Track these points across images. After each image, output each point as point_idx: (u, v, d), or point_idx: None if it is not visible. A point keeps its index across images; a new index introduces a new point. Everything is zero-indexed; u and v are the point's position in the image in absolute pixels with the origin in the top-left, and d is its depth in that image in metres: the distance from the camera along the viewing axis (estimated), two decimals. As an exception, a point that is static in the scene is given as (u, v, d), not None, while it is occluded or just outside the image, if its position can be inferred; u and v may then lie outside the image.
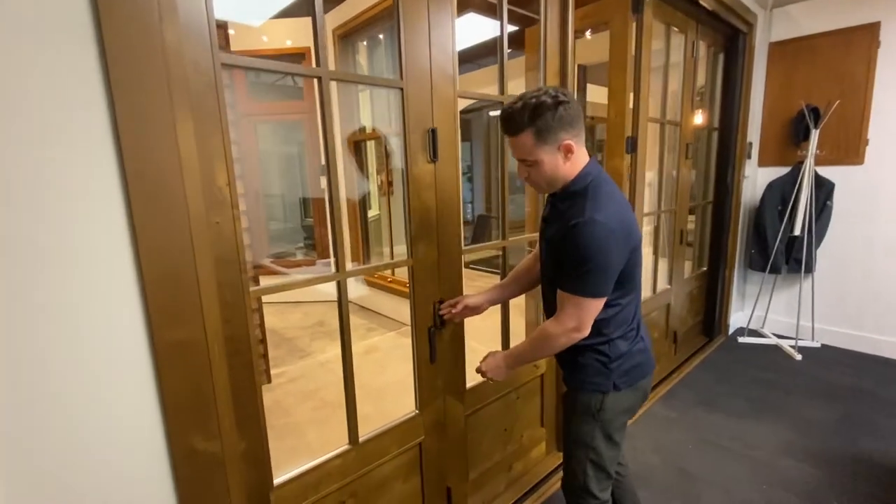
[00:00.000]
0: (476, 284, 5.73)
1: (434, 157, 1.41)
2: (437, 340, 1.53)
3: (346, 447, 1.36)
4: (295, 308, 4.69)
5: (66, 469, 0.77)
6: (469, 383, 1.71)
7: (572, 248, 1.06)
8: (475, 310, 1.53)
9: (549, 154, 1.09)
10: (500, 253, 1.85)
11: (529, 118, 1.06)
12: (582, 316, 1.10)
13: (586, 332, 1.12)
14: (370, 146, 4.59)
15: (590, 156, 1.16)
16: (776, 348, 3.37)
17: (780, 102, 3.33)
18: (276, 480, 1.20)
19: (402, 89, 1.32)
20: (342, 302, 1.30)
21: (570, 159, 1.11)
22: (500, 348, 1.89)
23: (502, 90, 1.65)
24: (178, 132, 0.88)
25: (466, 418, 1.72)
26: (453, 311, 1.50)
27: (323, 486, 1.30)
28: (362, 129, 4.43)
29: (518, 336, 1.67)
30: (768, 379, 2.92)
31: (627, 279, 1.13)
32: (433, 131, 1.39)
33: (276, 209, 5.86)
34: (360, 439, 1.39)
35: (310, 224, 5.22)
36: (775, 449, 2.22)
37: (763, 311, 3.61)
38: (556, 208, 1.18)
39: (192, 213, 0.90)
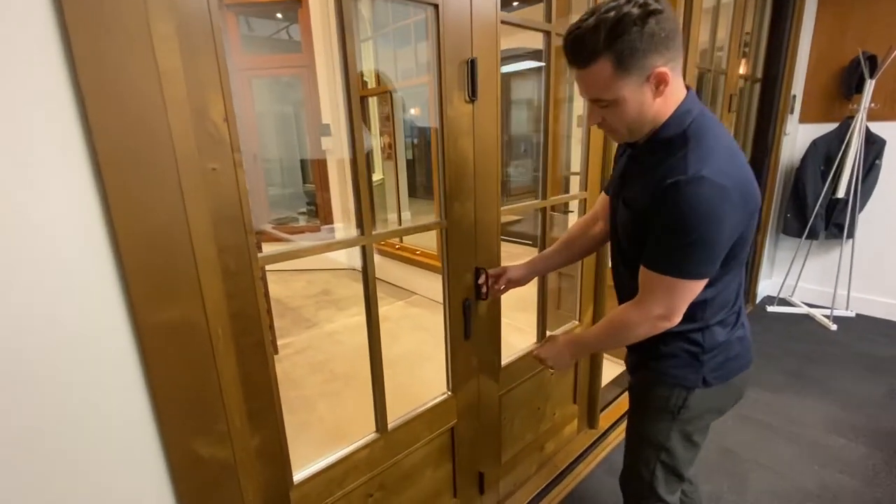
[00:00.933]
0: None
1: (473, 95, 1.16)
2: (472, 315, 1.33)
3: (373, 436, 1.19)
4: (298, 276, 4.50)
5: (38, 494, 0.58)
6: (504, 360, 1.53)
7: (669, 215, 0.80)
8: (518, 283, 1.32)
9: (635, 88, 0.81)
10: (518, 219, 1.62)
11: (607, 39, 0.77)
12: (674, 302, 0.86)
13: (676, 321, 0.89)
14: (373, 104, 4.27)
15: (687, 88, 0.88)
16: (808, 318, 3.21)
17: (830, 50, 3.02)
18: (297, 477, 1.03)
19: (436, 6, 1.06)
20: (368, 271, 1.09)
21: (662, 93, 0.83)
22: (535, 320, 1.71)
23: (549, 15, 1.37)
24: (154, 42, 0.64)
25: (500, 398, 1.55)
26: (495, 286, 1.30)
27: (349, 480, 1.13)
28: (365, 84, 4.11)
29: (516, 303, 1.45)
30: (803, 350, 2.77)
31: (736, 253, 0.88)
32: (472, 62, 1.14)
33: (274, 174, 5.57)
34: (390, 426, 1.21)
35: (311, 189, 4.96)
36: (822, 426, 2.07)
37: (794, 280, 3.42)
38: (640, 162, 0.92)
39: (180, 154, 0.68)
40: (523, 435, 1.73)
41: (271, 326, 2.98)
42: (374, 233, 1.06)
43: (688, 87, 0.89)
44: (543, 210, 1.58)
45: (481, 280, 1.30)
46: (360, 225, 1.05)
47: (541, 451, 1.82)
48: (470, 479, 1.52)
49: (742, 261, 0.92)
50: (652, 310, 0.88)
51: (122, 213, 0.60)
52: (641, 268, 0.88)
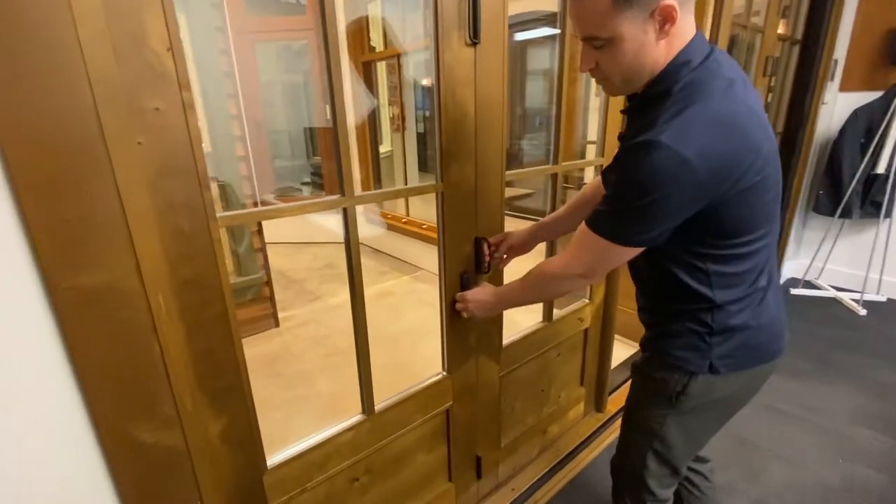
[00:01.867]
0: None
1: (474, 37, 1.01)
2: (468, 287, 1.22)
3: (359, 417, 1.09)
4: (303, 249, 4.43)
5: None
6: (506, 340, 1.42)
7: (616, 174, 0.76)
8: (520, 250, 1.21)
9: (635, 24, 0.68)
10: (530, 192, 1.48)
11: None
12: (596, 263, 0.83)
13: (596, 281, 0.84)
14: (381, 70, 4.07)
15: (697, 28, 0.74)
16: (835, 302, 3.03)
17: (878, 11, 2.73)
18: (271, 461, 0.94)
19: (432, -73, 0.90)
20: (350, 238, 0.98)
21: (666, 34, 0.69)
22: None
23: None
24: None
25: (501, 379, 1.45)
26: (496, 255, 1.18)
27: (331, 464, 1.04)
28: (373, 49, 3.91)
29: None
30: (829, 336, 2.61)
31: (745, 220, 0.75)
32: (474, -4, 0.98)
33: (282, 146, 5.43)
34: (377, 408, 1.12)
35: (318, 162, 4.83)
36: (846, 416, 1.94)
37: (821, 262, 3.22)
38: (635, 121, 0.81)
39: (99, 83, 0.55)
40: (525, 418, 1.63)
41: (272, 299, 2.92)
42: (356, 194, 0.93)
43: (697, 29, 0.74)
44: (555, 177, 1.43)
45: (484, 251, 1.18)
46: (341, 185, 0.92)
47: (543, 434, 1.73)
48: (466, 463, 1.44)
49: (762, 227, 0.78)
50: (573, 265, 0.85)
51: (15, 151, 0.49)
52: (583, 222, 0.82)
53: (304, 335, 2.88)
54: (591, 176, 1.70)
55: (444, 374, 1.27)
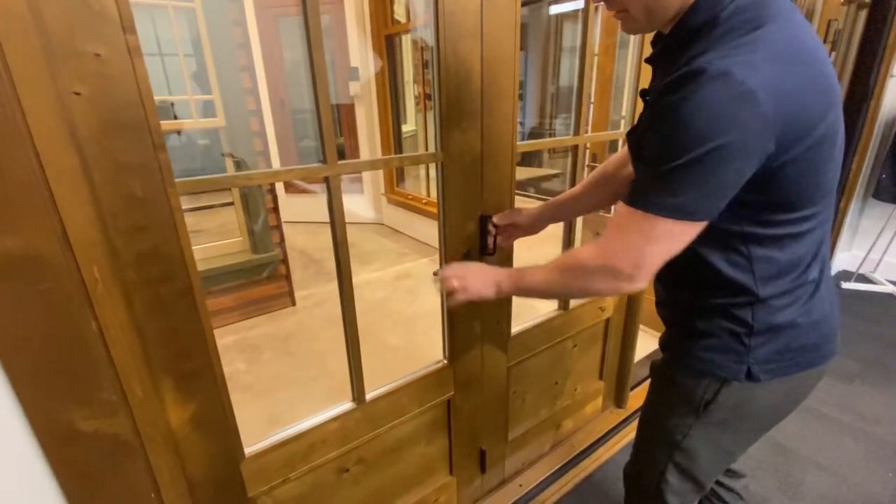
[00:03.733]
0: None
1: (481, -18, 0.88)
2: None
3: (348, 406, 1.02)
4: (325, 228, 4.40)
5: None
6: (515, 328, 1.31)
7: (662, 124, 0.56)
8: (526, 230, 1.08)
9: None
10: (557, 173, 1.36)
11: None
12: (646, 253, 0.61)
13: (643, 282, 0.64)
14: (405, 45, 3.93)
15: None
16: (891, 297, 2.75)
17: (968, -35, 2.38)
18: (249, 450, 0.88)
19: None
20: (335, 215, 0.89)
21: None
22: None
23: None
24: None
25: (508, 370, 1.34)
26: (501, 235, 1.07)
27: (316, 454, 0.98)
28: (396, 21, 3.77)
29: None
30: (885, 335, 2.36)
31: (807, 186, 0.60)
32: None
33: (306, 124, 5.39)
34: (368, 396, 1.04)
35: (342, 144, 4.77)
36: (901, 425, 1.74)
37: (878, 253, 2.92)
38: (660, 67, 0.68)
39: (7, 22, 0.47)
40: (536, 411, 1.53)
41: (288, 277, 2.90)
42: (339, 162, 0.84)
43: None
44: (575, 150, 1.29)
45: (489, 230, 1.07)
46: (322, 153, 0.82)
47: (557, 429, 1.63)
48: (469, 456, 1.35)
49: (819, 201, 0.63)
50: (614, 257, 0.64)
51: None
52: (619, 203, 0.65)
53: (320, 315, 2.86)
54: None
55: (445, 362, 1.18)
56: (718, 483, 1.02)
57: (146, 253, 0.64)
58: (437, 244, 3.71)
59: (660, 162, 0.56)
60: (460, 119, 0.97)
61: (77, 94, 0.53)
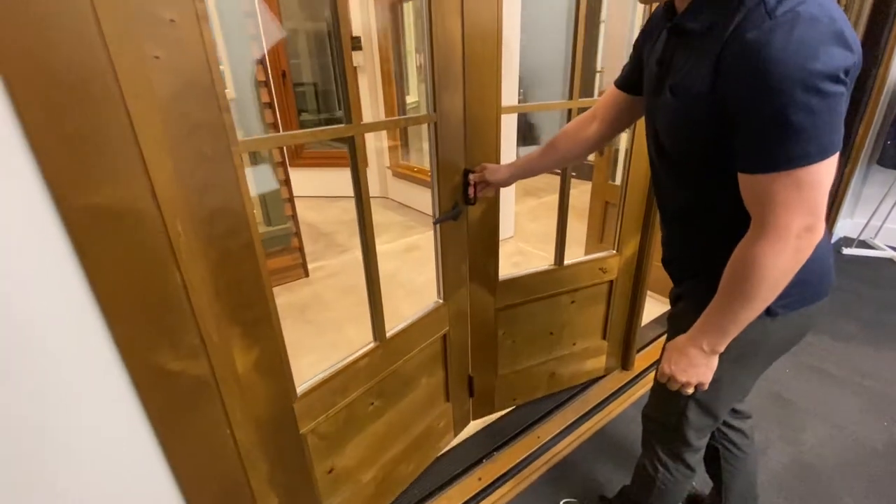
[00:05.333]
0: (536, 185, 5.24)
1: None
2: (462, 220, 1.28)
3: (372, 345, 1.13)
4: (333, 203, 4.43)
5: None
6: (503, 275, 1.43)
7: (761, 81, 0.56)
8: (497, 184, 1.20)
9: None
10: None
11: None
12: (814, 201, 0.60)
13: (823, 227, 0.64)
14: (408, 13, 3.87)
15: None
16: (890, 262, 2.82)
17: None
18: (300, 389, 0.96)
19: None
20: (358, 167, 0.98)
21: None
22: (552, 256, 1.52)
23: None
24: None
25: (498, 312, 1.47)
26: (475, 185, 1.21)
27: (350, 389, 1.09)
28: (400, -13, 3.69)
29: (578, 243, 1.35)
30: (883, 297, 2.44)
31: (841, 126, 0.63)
32: None
33: (308, 98, 5.31)
34: (388, 335, 1.16)
35: (341, 118, 4.72)
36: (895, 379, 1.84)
37: (880, 220, 2.98)
38: (687, 32, 0.68)
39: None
40: (528, 355, 1.64)
41: (301, 249, 2.95)
42: (361, 122, 0.90)
43: None
44: (569, 115, 1.33)
45: (469, 181, 1.21)
46: (347, 115, 0.87)
47: (551, 376, 1.72)
48: (461, 384, 1.51)
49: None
50: (788, 225, 0.61)
51: (14, 65, 0.45)
52: (743, 179, 0.64)
53: (333, 285, 2.92)
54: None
55: (440, 301, 1.31)
56: (727, 424, 1.09)
57: (216, 209, 0.69)
58: None
59: (777, 115, 0.56)
60: (448, 84, 1.08)
61: (157, 57, 0.57)
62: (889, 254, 2.88)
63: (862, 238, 3.03)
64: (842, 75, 0.55)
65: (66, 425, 0.56)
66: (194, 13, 0.61)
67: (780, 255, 0.63)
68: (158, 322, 0.60)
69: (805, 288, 0.76)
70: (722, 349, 0.75)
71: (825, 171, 0.59)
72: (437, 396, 1.45)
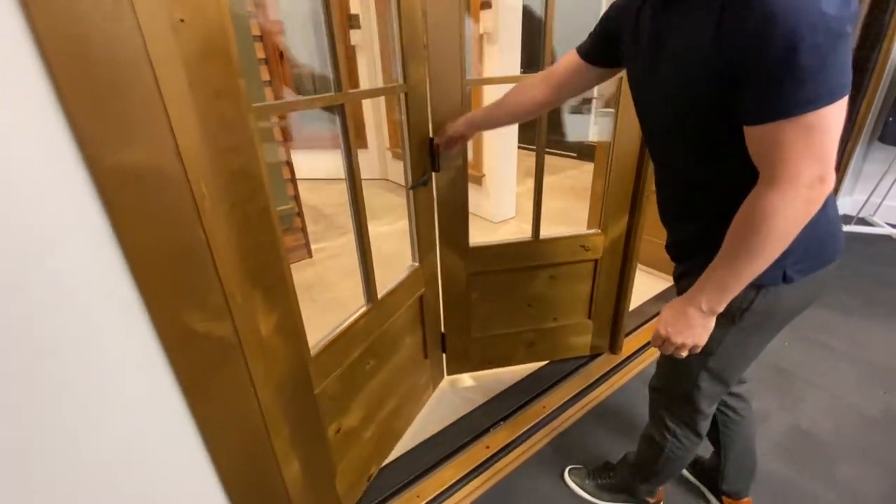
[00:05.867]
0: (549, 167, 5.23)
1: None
2: (431, 186, 1.36)
3: (366, 306, 1.20)
4: (331, 185, 4.42)
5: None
6: (474, 242, 1.51)
7: (766, 24, 0.55)
8: (460, 137, 1.24)
9: None
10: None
11: None
12: (825, 148, 0.59)
13: (833, 179, 0.62)
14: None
15: None
16: (889, 239, 2.85)
17: None
18: (313, 351, 1.00)
19: None
20: (349, 135, 1.01)
21: None
22: (530, 229, 1.54)
23: None
24: None
25: (470, 276, 1.55)
26: (443, 148, 1.26)
27: (352, 349, 1.14)
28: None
29: (555, 216, 1.40)
30: (880, 273, 2.48)
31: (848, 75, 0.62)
32: None
33: (302, 81, 5.23)
34: (379, 296, 1.24)
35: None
36: (892, 351, 1.87)
37: (879, 197, 3.00)
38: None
39: None
40: (506, 323, 1.68)
41: (304, 230, 2.95)
42: (350, 91, 0.95)
43: None
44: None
45: (434, 149, 1.26)
46: (336, 83, 0.89)
47: (529, 346, 1.75)
48: (435, 342, 1.60)
49: None
50: (800, 175, 0.60)
51: (48, 23, 0.45)
52: (750, 132, 0.63)
53: (336, 266, 2.94)
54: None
55: (416, 264, 1.38)
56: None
57: (236, 172, 0.69)
58: None
59: (784, 56, 0.55)
60: (414, 55, 1.13)
61: (182, 20, 0.57)
62: (888, 231, 2.90)
63: (861, 215, 3.05)
64: (845, 22, 0.55)
65: (93, 382, 0.58)
66: (215, -25, 0.61)
67: (790, 206, 0.62)
68: (185, 283, 0.61)
69: (822, 249, 0.77)
70: (720, 309, 0.74)
71: (834, 115, 0.58)
72: (418, 354, 1.53)
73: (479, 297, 1.60)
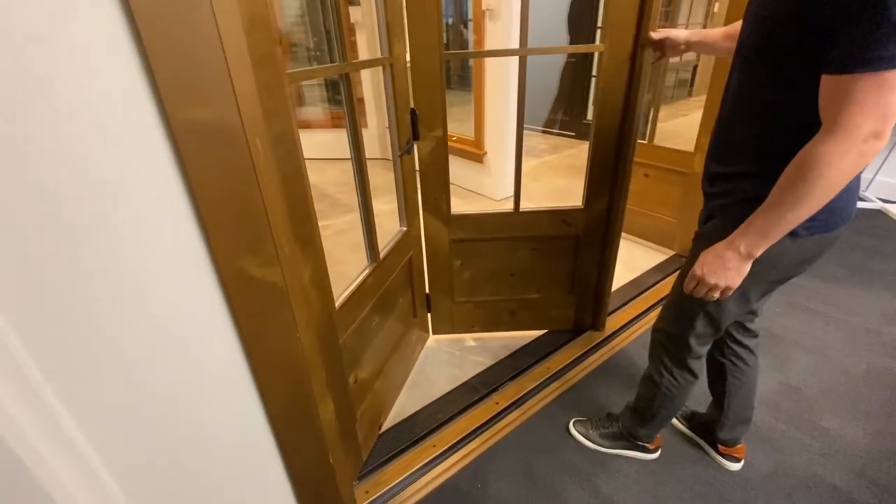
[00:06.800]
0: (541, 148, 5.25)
1: None
2: (413, 155, 1.47)
3: (372, 265, 1.31)
4: (332, 165, 4.44)
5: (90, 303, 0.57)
6: (457, 210, 1.60)
7: None
8: (676, 41, 1.23)
9: None
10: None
11: None
12: (888, 107, 0.62)
13: (887, 139, 0.65)
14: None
15: None
16: (879, 213, 2.95)
17: None
18: (337, 302, 1.11)
19: None
20: (351, 98, 1.11)
21: None
22: (531, 206, 1.60)
23: None
24: None
25: (453, 243, 1.65)
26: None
27: (363, 304, 1.26)
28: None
29: (556, 194, 1.51)
30: (870, 245, 2.57)
31: None
32: None
33: (299, 63, 5.19)
34: (381, 256, 1.35)
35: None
36: (878, 316, 1.98)
37: (870, 173, 3.08)
38: None
39: None
40: (489, 290, 1.77)
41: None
42: (352, 62, 1.07)
43: None
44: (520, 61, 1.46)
45: (653, 35, 1.28)
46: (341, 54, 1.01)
47: (512, 314, 1.83)
48: (422, 303, 1.72)
49: None
50: (858, 127, 0.63)
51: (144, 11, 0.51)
52: (825, 81, 0.66)
53: (342, 242, 3.00)
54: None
55: (404, 229, 1.50)
56: (737, 342, 1.19)
57: (278, 134, 0.76)
58: (455, 181, 3.86)
59: (860, 12, 0.59)
60: (397, 32, 1.21)
61: (239, -7, 0.62)
62: (879, 205, 2.99)
63: (853, 190, 3.13)
64: None
65: (167, 314, 0.65)
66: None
67: (844, 157, 0.65)
68: (243, 230, 0.68)
69: (831, 215, 0.81)
70: (758, 254, 0.79)
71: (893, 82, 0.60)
72: (409, 313, 1.65)
73: (463, 264, 1.70)
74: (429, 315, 1.82)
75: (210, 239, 0.65)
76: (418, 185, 1.52)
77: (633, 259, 2.49)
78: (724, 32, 1.10)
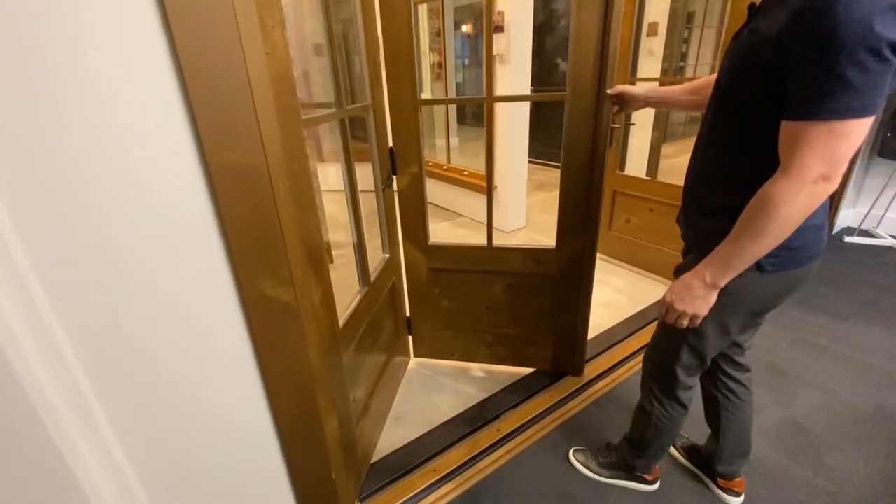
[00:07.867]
0: (535, 178, 5.38)
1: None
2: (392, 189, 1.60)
3: (365, 289, 1.42)
4: (337, 196, 4.61)
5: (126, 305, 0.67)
6: (434, 241, 1.71)
7: (820, 29, 0.63)
8: (634, 97, 1.31)
9: None
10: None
11: None
12: (836, 154, 0.68)
13: (838, 182, 0.71)
14: (423, 14, 4.03)
15: None
16: (890, 250, 2.93)
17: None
18: (341, 321, 1.19)
19: None
20: (348, 148, 1.29)
21: None
22: (540, 238, 1.70)
23: None
24: None
25: (431, 272, 1.76)
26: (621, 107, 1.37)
27: (359, 325, 1.36)
28: (417, -9, 3.86)
29: (545, 227, 1.47)
30: (880, 282, 2.56)
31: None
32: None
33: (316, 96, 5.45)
34: (371, 280, 1.47)
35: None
36: (887, 353, 1.96)
37: (881, 209, 3.09)
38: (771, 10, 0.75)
39: (242, 19, 0.68)
40: (467, 322, 1.84)
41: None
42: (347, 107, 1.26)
43: None
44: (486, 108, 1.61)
45: (609, 91, 1.36)
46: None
47: (488, 347, 1.87)
48: (404, 325, 1.86)
49: None
50: (808, 170, 0.69)
51: (187, 57, 0.63)
52: (783, 126, 0.73)
53: (355, 273, 3.10)
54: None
55: (387, 256, 1.63)
56: (729, 376, 1.22)
57: (295, 171, 0.86)
58: (457, 209, 4.02)
59: (824, 65, 0.63)
60: (375, 81, 1.39)
61: (268, 53, 0.74)
62: (890, 242, 2.98)
63: (864, 227, 3.14)
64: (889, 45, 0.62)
65: (191, 325, 0.74)
66: (280, 20, 0.79)
67: (796, 195, 0.71)
68: (262, 256, 0.78)
69: (796, 253, 0.87)
70: (722, 284, 0.84)
71: (859, 128, 0.66)
72: (394, 336, 1.75)
73: (440, 293, 1.79)
74: (410, 338, 1.93)
75: (234, 261, 0.74)
76: (398, 216, 1.67)
77: (639, 292, 2.52)
78: (684, 89, 1.18)
